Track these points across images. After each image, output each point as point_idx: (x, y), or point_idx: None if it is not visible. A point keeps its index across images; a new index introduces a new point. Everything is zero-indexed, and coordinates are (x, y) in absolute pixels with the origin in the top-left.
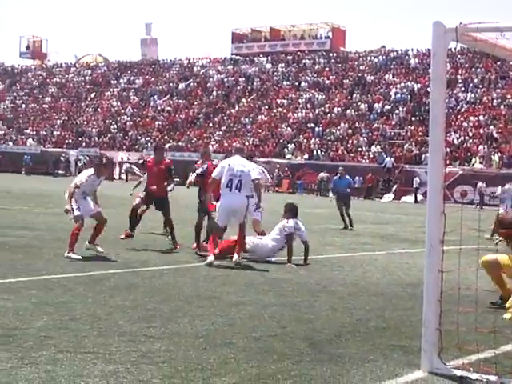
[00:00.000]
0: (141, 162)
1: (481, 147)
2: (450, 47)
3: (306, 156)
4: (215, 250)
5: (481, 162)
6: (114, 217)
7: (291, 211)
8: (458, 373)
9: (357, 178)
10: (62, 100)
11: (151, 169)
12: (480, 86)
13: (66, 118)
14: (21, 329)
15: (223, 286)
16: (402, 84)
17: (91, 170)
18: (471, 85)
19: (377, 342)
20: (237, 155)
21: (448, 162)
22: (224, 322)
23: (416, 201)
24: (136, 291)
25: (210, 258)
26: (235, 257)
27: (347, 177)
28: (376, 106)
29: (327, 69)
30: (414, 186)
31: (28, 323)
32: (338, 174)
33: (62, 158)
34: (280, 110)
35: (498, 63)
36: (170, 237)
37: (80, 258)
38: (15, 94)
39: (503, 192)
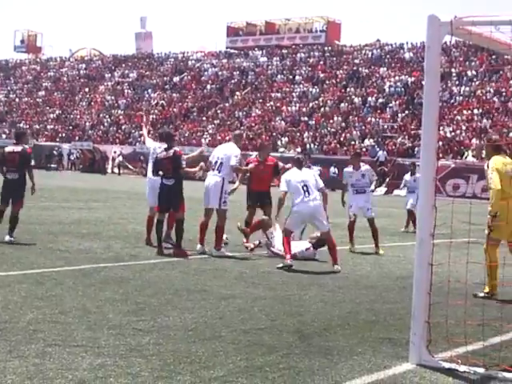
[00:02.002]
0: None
1: (474, 140)
2: (444, 41)
3: (299, 150)
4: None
5: (473, 156)
6: (107, 210)
7: None
8: (447, 365)
9: None
10: (55, 94)
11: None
12: (474, 80)
13: (60, 111)
14: (10, 322)
15: (213, 279)
16: (397, 77)
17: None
18: (465, 78)
19: (366, 335)
20: (231, 142)
21: (441, 155)
22: (213, 315)
23: None
24: (126, 285)
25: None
26: (213, 250)
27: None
28: (370, 99)
29: (322, 62)
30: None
31: (17, 317)
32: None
33: (54, 152)
34: (274, 103)
35: (493, 57)
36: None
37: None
38: (9, 87)
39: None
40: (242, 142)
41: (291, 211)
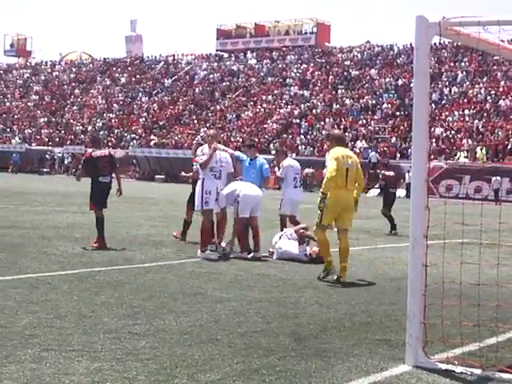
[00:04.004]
0: None
1: (465, 141)
2: (434, 42)
3: (294, 155)
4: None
5: (465, 156)
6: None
7: None
8: (443, 366)
9: None
10: (46, 98)
11: None
12: (465, 80)
13: (51, 115)
14: (6, 327)
15: (208, 282)
16: (387, 79)
17: None
18: (457, 79)
19: (362, 337)
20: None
21: (433, 156)
22: (209, 318)
23: (408, 196)
24: (121, 288)
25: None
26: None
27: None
28: (361, 101)
29: (312, 64)
30: (407, 181)
31: (13, 322)
32: None
33: (47, 156)
34: (265, 106)
35: (483, 57)
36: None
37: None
38: None
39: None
40: (236, 144)
41: (240, 196)
